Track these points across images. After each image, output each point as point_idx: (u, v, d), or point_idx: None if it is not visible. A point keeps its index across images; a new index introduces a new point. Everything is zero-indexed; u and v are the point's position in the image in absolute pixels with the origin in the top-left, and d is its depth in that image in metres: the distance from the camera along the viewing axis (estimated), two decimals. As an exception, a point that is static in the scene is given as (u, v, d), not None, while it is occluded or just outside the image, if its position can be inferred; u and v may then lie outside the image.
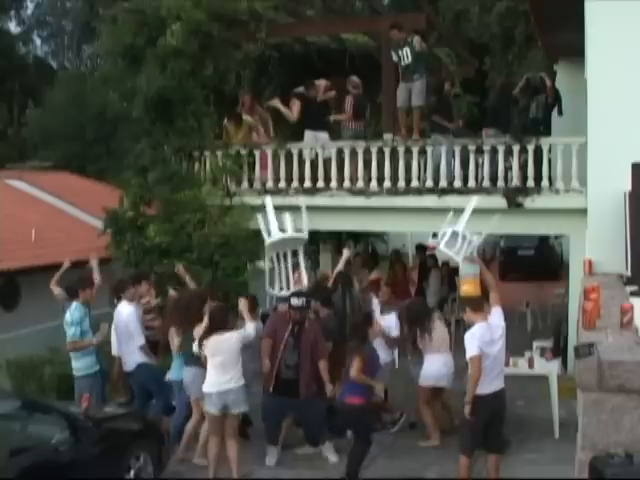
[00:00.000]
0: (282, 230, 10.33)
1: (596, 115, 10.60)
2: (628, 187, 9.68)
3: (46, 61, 38.62)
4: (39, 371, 10.77)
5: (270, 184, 12.60)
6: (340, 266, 10.59)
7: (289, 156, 12.53)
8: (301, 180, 12.45)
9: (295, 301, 8.92)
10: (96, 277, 10.18)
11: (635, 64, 10.32)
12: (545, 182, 11.44)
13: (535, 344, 10.54)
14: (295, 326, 8.88)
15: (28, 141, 27.02)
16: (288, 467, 8.89)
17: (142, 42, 12.61)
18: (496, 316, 7.91)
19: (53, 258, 12.26)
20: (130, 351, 9.60)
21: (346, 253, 11.09)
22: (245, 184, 12.73)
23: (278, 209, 10.61)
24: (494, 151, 11.65)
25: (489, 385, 7.65)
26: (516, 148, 11.53)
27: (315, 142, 12.63)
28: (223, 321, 8.34)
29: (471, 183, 11.68)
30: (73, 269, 10.77)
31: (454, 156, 11.79)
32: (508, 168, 11.66)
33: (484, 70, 25.93)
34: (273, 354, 8.86)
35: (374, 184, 12.11)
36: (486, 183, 11.62)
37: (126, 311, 9.64)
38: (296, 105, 12.74)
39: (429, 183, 11.88)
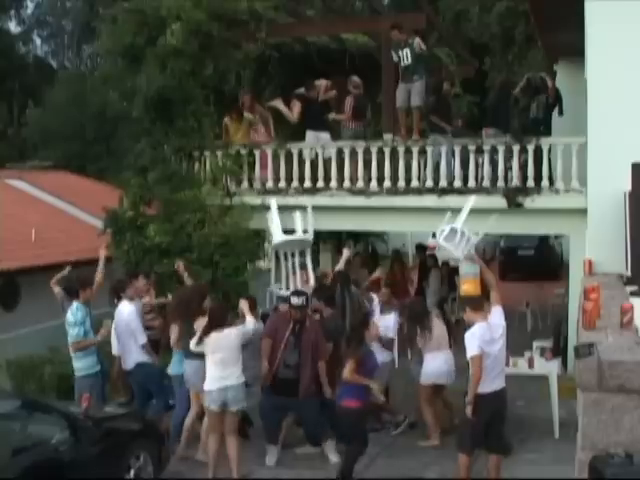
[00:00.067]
0: (288, 232, 10.33)
1: (596, 115, 10.59)
2: (628, 187, 9.68)
3: (46, 61, 38.59)
4: (39, 371, 10.79)
5: (270, 184, 12.60)
6: (340, 265, 10.60)
7: (289, 156, 12.51)
8: (301, 180, 12.44)
9: (295, 300, 8.91)
10: (99, 273, 10.10)
11: (635, 64, 10.32)
12: (545, 182, 11.43)
13: (535, 344, 10.53)
14: (296, 325, 8.87)
15: (28, 141, 27.02)
16: (288, 467, 8.88)
17: (142, 42, 12.59)
18: (496, 315, 7.91)
19: (53, 258, 12.29)
20: (130, 350, 9.61)
21: (346, 253, 11.11)
22: (245, 184, 12.73)
23: (279, 209, 10.61)
24: (494, 151, 11.65)
25: (490, 384, 7.65)
26: (516, 148, 11.52)
27: (317, 142, 12.63)
28: (223, 319, 8.36)
29: (471, 183, 11.66)
30: (73, 269, 10.76)
31: (454, 156, 11.79)
32: (508, 168, 11.65)
33: (484, 70, 25.88)
34: (273, 354, 8.85)
35: (374, 184, 12.10)
36: (486, 183, 11.61)
37: (127, 310, 9.65)
38: (297, 106, 12.74)
39: (429, 183, 11.87)
